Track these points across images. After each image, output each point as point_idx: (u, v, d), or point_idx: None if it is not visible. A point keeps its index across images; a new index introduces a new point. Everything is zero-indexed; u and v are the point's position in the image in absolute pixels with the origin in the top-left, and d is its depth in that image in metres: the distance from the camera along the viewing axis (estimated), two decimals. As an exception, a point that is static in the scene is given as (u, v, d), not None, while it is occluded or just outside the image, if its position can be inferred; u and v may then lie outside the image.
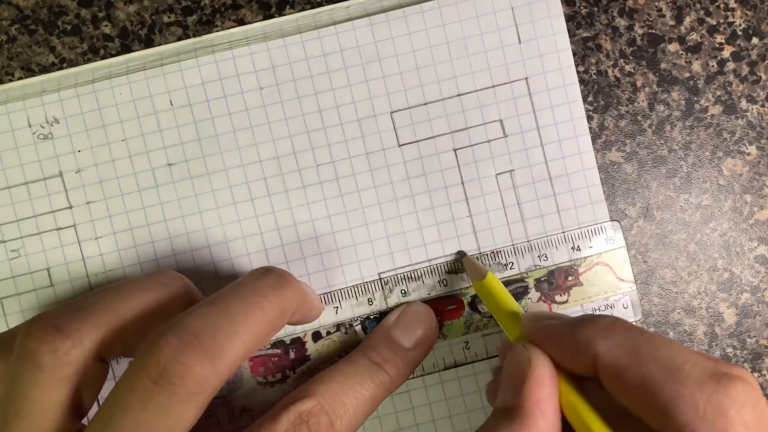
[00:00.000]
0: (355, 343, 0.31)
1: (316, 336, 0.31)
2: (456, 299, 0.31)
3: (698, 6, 0.33)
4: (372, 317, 0.31)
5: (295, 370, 0.30)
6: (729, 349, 0.33)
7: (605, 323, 0.24)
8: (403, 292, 0.31)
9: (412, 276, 0.31)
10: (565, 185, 0.31)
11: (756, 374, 0.33)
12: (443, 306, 0.31)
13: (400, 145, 0.31)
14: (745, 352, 0.33)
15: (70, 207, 0.31)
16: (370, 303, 0.31)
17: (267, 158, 0.31)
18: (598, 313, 0.25)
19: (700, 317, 0.33)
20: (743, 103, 0.33)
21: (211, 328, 0.23)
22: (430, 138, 0.31)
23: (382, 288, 0.31)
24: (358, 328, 0.31)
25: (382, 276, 0.31)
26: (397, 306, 0.31)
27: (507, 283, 0.31)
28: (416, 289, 0.31)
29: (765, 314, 0.33)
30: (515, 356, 0.25)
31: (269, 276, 0.26)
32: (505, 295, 0.28)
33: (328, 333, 0.31)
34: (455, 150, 0.31)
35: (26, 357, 0.23)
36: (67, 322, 0.23)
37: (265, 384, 0.30)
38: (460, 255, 0.31)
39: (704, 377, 0.21)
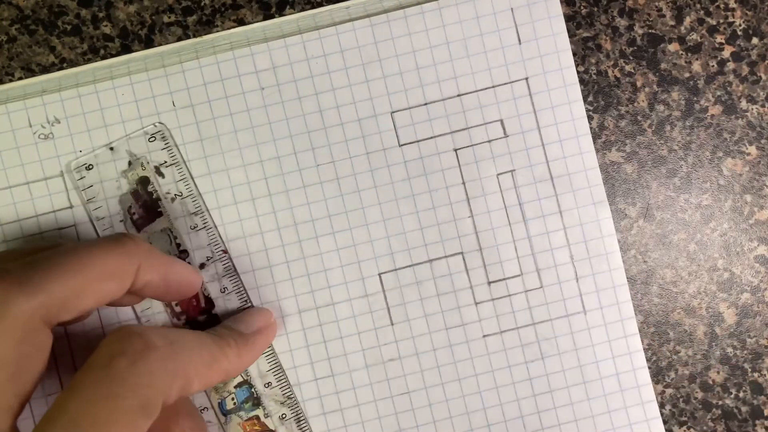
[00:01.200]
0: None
1: None
2: None
3: (698, 6, 0.33)
4: None
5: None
6: (729, 349, 0.33)
7: None
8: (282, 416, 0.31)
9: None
10: (567, 185, 0.31)
11: (756, 374, 0.33)
12: None
13: (400, 145, 0.31)
14: (745, 352, 0.33)
15: (71, 207, 0.31)
16: None
17: (268, 158, 0.31)
18: None
19: (700, 317, 0.33)
20: (743, 103, 0.33)
21: (28, 265, 0.23)
22: (431, 138, 0.31)
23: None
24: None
25: (382, 276, 0.31)
26: None
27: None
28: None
29: (765, 314, 0.33)
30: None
31: (111, 234, 0.26)
32: None
33: None
34: (456, 150, 0.31)
35: None
36: (25, 275, 0.23)
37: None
38: None
39: None
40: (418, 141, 0.31)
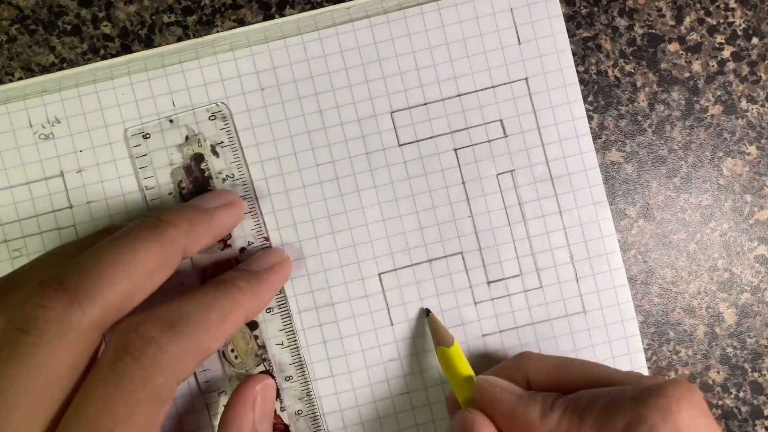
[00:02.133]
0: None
1: None
2: None
3: (698, 6, 0.33)
4: None
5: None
6: (729, 349, 0.33)
7: (549, 402, 0.26)
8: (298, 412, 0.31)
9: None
10: (567, 185, 0.31)
11: (756, 374, 0.33)
12: None
13: (400, 145, 0.31)
14: (745, 352, 0.33)
15: (71, 207, 0.31)
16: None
17: (268, 158, 0.31)
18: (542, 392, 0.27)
19: (700, 317, 0.33)
20: (743, 103, 0.33)
21: (77, 272, 0.23)
22: (431, 138, 0.31)
23: None
24: None
25: (382, 276, 0.31)
26: None
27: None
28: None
29: (765, 314, 0.33)
30: (461, 421, 0.27)
31: (146, 220, 0.26)
32: (464, 362, 0.29)
33: None
34: (456, 150, 0.31)
35: (28, 325, 0.23)
36: (82, 289, 0.23)
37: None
38: (425, 313, 0.31)
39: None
40: (417, 141, 0.31)
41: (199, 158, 0.31)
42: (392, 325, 0.31)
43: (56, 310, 0.22)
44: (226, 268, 0.30)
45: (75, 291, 0.23)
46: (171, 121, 0.31)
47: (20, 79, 0.32)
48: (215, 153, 0.31)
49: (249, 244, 0.31)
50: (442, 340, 0.30)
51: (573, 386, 0.27)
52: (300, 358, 0.31)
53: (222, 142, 0.31)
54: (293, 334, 0.31)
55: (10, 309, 0.23)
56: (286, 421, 0.31)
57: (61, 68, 0.32)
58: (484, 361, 0.31)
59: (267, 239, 0.31)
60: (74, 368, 0.23)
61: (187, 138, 0.31)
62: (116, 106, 0.31)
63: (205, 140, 0.31)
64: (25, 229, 0.31)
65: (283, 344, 0.31)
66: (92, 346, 0.24)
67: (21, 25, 0.32)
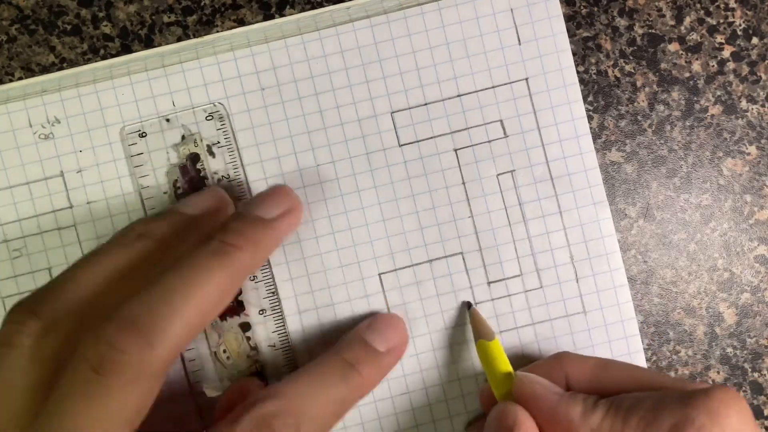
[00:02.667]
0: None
1: None
2: None
3: (698, 6, 0.33)
4: None
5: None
6: (729, 349, 0.33)
7: (591, 402, 0.26)
8: None
9: None
10: (567, 185, 0.31)
11: (756, 374, 0.33)
12: None
13: (400, 145, 0.31)
14: (745, 352, 0.33)
15: (71, 207, 0.31)
16: None
17: (268, 158, 0.31)
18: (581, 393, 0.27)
19: (700, 317, 0.33)
20: (743, 103, 0.33)
21: (148, 310, 0.23)
22: (431, 138, 0.31)
23: None
24: None
25: (382, 276, 0.31)
26: None
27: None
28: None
29: (765, 314, 0.33)
30: (502, 413, 0.26)
31: (210, 244, 0.26)
32: (503, 357, 0.29)
33: None
34: (456, 150, 0.31)
35: (4, 341, 0.24)
36: (40, 304, 0.24)
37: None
38: (467, 306, 0.31)
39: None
40: (418, 141, 0.31)
41: (195, 158, 0.31)
42: (392, 325, 0.31)
43: (131, 354, 0.22)
44: None
45: (148, 333, 0.23)
46: (168, 120, 0.31)
47: (20, 79, 0.32)
48: (211, 153, 0.31)
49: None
50: (483, 333, 0.30)
51: (614, 388, 0.26)
52: (292, 359, 0.31)
53: (219, 143, 0.31)
54: (286, 336, 0.31)
55: (86, 349, 0.23)
56: None
57: (61, 68, 0.32)
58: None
59: None
60: (143, 406, 0.23)
61: (183, 138, 0.31)
62: (116, 106, 0.31)
63: (201, 140, 0.31)
64: (25, 229, 0.31)
65: (275, 346, 0.31)
66: (159, 385, 0.24)
67: (21, 25, 0.32)
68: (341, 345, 0.28)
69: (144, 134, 0.31)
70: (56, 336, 0.24)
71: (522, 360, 0.31)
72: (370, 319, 0.30)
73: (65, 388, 0.23)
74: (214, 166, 0.31)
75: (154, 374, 0.23)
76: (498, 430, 0.26)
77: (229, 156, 0.31)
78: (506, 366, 0.29)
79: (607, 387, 0.27)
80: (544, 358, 0.30)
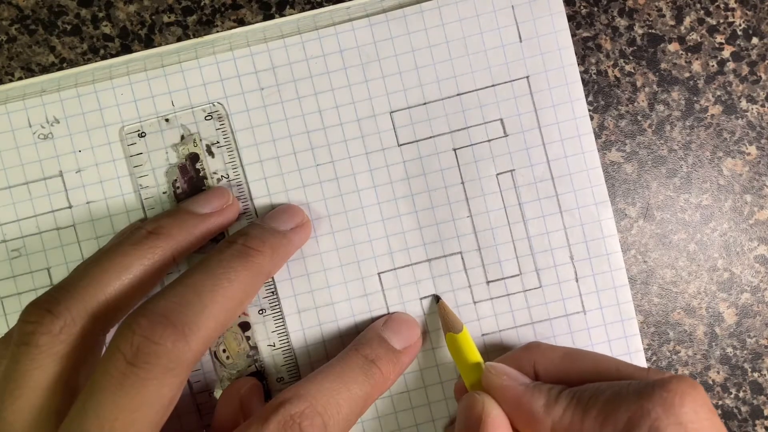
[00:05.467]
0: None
1: None
2: None
3: (698, 6, 0.33)
4: None
5: None
6: (729, 349, 0.33)
7: (555, 393, 0.26)
8: None
9: None
10: (568, 185, 0.31)
11: (756, 374, 0.33)
12: None
13: (399, 145, 0.31)
14: (745, 352, 0.33)
15: (70, 207, 0.31)
16: None
17: (267, 158, 0.31)
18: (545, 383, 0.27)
19: (700, 317, 0.33)
20: (743, 103, 0.33)
21: (180, 305, 0.24)
22: (430, 137, 0.31)
23: None
24: None
25: (381, 275, 0.31)
26: None
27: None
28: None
29: (765, 314, 0.33)
30: (470, 403, 0.27)
31: (233, 246, 0.27)
32: (473, 348, 0.29)
33: None
34: (455, 149, 0.31)
35: (22, 341, 0.24)
36: (57, 303, 0.25)
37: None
38: (435, 300, 0.31)
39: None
40: (417, 141, 0.31)
41: (194, 158, 0.31)
42: (392, 324, 0.31)
43: (165, 346, 0.23)
44: None
45: (182, 327, 0.24)
46: (167, 120, 0.31)
47: (20, 79, 0.32)
48: (211, 153, 0.31)
49: None
50: (450, 326, 0.30)
51: (580, 378, 0.27)
52: (292, 359, 0.31)
53: (218, 143, 0.31)
54: (286, 335, 0.31)
55: (119, 342, 0.23)
56: None
57: (61, 68, 0.32)
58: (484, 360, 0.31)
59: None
60: (174, 398, 0.24)
61: (182, 137, 0.31)
62: (115, 106, 0.31)
63: (200, 140, 0.31)
64: (24, 229, 0.31)
65: (275, 345, 0.31)
66: (188, 377, 0.25)
67: (21, 25, 0.32)
68: (360, 342, 0.29)
69: (143, 134, 0.31)
70: (73, 334, 0.25)
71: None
72: (386, 317, 0.31)
73: (100, 380, 0.23)
74: (214, 166, 0.31)
75: (186, 367, 0.24)
76: (467, 419, 0.26)
77: (228, 156, 0.31)
78: (475, 356, 0.29)
79: (574, 377, 0.27)
80: (515, 349, 0.30)
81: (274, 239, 0.28)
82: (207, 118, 0.31)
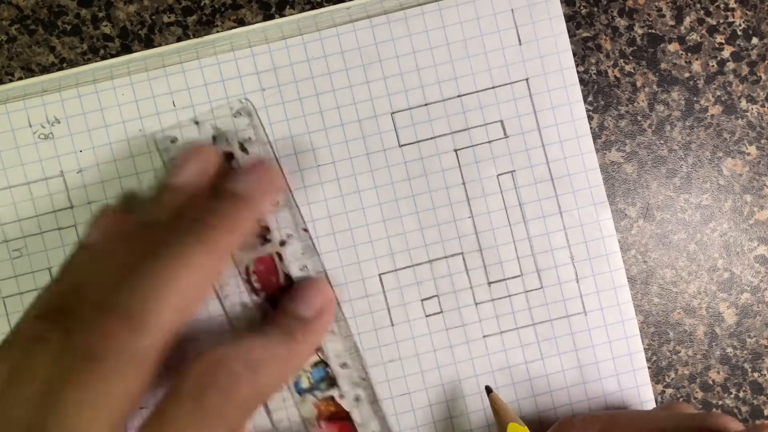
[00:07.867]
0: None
1: None
2: None
3: (698, 6, 0.33)
4: None
5: None
6: (729, 349, 0.33)
7: None
8: None
9: None
10: (568, 186, 0.31)
11: (756, 374, 0.33)
12: None
13: (400, 146, 0.31)
14: (745, 352, 0.33)
15: (72, 207, 0.31)
16: None
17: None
18: None
19: (700, 317, 0.33)
20: (743, 103, 0.33)
21: (133, 296, 0.23)
22: (431, 138, 0.31)
23: None
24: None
25: (383, 276, 0.31)
26: None
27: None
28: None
29: (765, 314, 0.33)
30: None
31: (191, 226, 0.25)
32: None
33: None
34: (456, 150, 0.31)
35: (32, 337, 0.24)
36: (140, 313, 0.24)
37: None
38: (487, 390, 0.31)
39: None
40: (418, 142, 0.31)
41: (229, 157, 0.30)
42: (393, 325, 0.31)
43: (120, 338, 0.23)
44: (268, 264, 0.30)
45: (137, 317, 0.23)
46: (197, 123, 0.31)
47: (20, 79, 0.32)
48: (244, 150, 0.31)
49: (288, 237, 0.30)
50: (511, 417, 0.29)
51: None
52: None
53: (249, 138, 0.31)
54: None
55: (70, 334, 0.23)
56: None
57: (61, 68, 0.32)
58: (485, 361, 0.31)
59: (306, 230, 0.31)
60: (138, 393, 0.23)
61: (214, 138, 0.31)
62: (116, 106, 0.31)
63: (232, 138, 0.31)
64: (25, 229, 0.31)
65: None
66: (155, 369, 0.24)
67: (21, 25, 0.32)
68: (268, 325, 0.28)
69: (175, 140, 0.31)
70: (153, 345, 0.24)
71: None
72: (290, 290, 0.30)
73: (60, 378, 0.23)
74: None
75: (144, 360, 0.23)
76: None
77: (262, 150, 0.31)
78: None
79: None
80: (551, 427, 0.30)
81: (235, 207, 0.27)
82: (236, 115, 0.30)
